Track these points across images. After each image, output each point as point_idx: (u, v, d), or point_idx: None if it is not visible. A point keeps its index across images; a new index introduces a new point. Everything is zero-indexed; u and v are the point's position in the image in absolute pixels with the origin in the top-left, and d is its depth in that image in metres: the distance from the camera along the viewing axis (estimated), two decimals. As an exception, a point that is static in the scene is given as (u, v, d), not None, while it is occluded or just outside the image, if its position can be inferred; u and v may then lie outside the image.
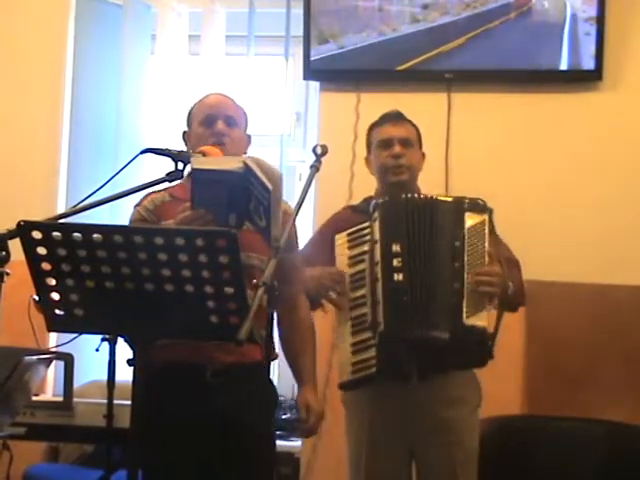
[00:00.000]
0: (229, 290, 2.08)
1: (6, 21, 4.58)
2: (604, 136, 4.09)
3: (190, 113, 2.88)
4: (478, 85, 4.14)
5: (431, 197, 3.01)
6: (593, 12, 4.00)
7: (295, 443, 4.03)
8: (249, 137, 2.90)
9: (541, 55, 4.11)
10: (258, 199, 2.39)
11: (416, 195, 3.01)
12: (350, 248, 2.99)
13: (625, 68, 4.07)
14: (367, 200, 3.13)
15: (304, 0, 4.22)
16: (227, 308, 2.09)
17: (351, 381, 2.94)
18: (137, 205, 2.81)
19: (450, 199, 3.00)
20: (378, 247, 2.91)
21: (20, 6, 4.57)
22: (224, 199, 2.42)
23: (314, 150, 2.58)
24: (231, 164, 2.41)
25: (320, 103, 4.34)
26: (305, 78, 4.31)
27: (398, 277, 2.87)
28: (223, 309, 2.10)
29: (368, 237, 2.97)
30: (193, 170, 2.41)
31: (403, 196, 2.97)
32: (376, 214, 2.95)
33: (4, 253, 2.19)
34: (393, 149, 3.08)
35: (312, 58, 4.23)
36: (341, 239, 3.01)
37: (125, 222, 4.18)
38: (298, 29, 4.29)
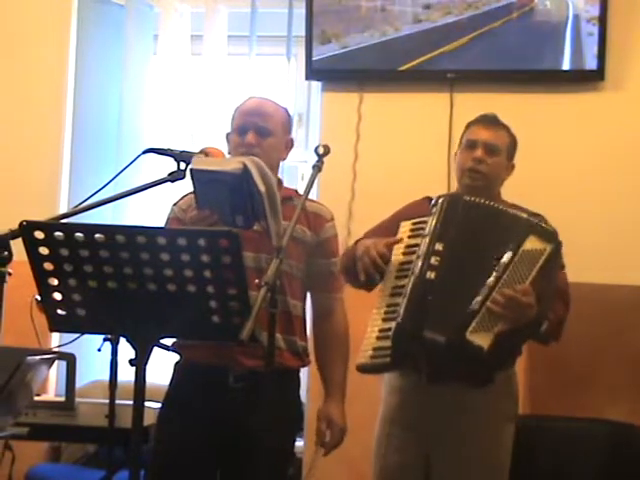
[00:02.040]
0: (231, 290, 2.08)
1: (8, 21, 4.58)
2: (606, 136, 4.08)
3: (233, 116, 2.87)
4: (480, 85, 4.13)
5: (497, 206, 2.87)
6: (595, 12, 4.00)
7: (297, 443, 4.01)
8: (290, 140, 2.88)
9: (543, 55, 4.10)
10: (258, 201, 2.39)
11: (481, 200, 2.86)
12: (410, 237, 2.88)
13: (628, 68, 4.06)
14: None
15: (306, 0, 4.22)
16: (229, 308, 2.10)
17: (366, 364, 2.82)
18: (175, 204, 2.83)
19: (524, 215, 2.84)
20: (426, 242, 2.80)
21: (22, 6, 4.57)
22: (227, 200, 2.42)
23: (316, 150, 2.58)
24: (230, 165, 2.41)
25: (322, 103, 4.33)
26: (307, 78, 4.30)
27: (430, 275, 2.76)
28: (225, 309, 2.10)
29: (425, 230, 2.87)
30: (191, 170, 2.41)
31: (466, 198, 2.86)
32: (434, 209, 2.85)
33: (6, 253, 2.20)
34: (476, 152, 2.95)
35: (314, 58, 4.23)
36: (405, 226, 2.90)
37: (127, 222, 4.19)
38: (300, 29, 4.28)
